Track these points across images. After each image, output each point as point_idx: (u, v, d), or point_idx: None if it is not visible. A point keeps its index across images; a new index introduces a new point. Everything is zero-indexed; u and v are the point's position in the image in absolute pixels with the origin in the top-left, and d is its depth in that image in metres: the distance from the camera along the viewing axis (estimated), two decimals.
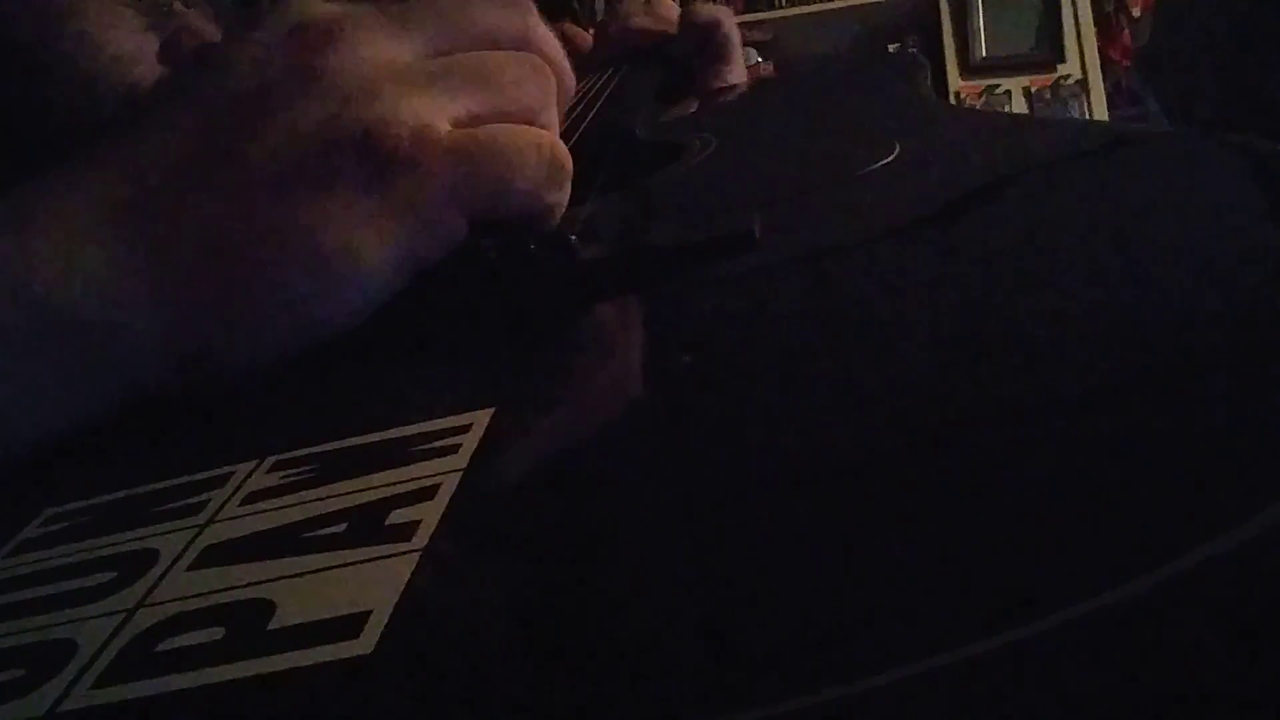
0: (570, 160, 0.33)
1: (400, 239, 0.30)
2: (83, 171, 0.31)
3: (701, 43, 0.77)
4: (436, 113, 0.31)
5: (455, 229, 0.31)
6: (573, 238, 0.31)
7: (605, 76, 0.70)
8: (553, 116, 0.34)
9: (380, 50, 0.32)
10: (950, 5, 2.70)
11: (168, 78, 0.34)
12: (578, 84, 0.56)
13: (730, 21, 0.78)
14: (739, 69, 0.78)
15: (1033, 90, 2.62)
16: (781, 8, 2.77)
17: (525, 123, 0.33)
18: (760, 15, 2.75)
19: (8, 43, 0.50)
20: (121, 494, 0.23)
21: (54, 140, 0.33)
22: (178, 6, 0.52)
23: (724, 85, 0.75)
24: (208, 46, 0.36)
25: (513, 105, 0.33)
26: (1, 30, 0.50)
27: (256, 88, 0.31)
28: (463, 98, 0.32)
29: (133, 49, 0.50)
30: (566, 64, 0.37)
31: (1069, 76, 2.61)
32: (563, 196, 0.33)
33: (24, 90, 0.50)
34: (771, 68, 2.67)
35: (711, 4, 0.81)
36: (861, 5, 2.74)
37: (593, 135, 0.49)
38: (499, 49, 0.34)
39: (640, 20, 0.81)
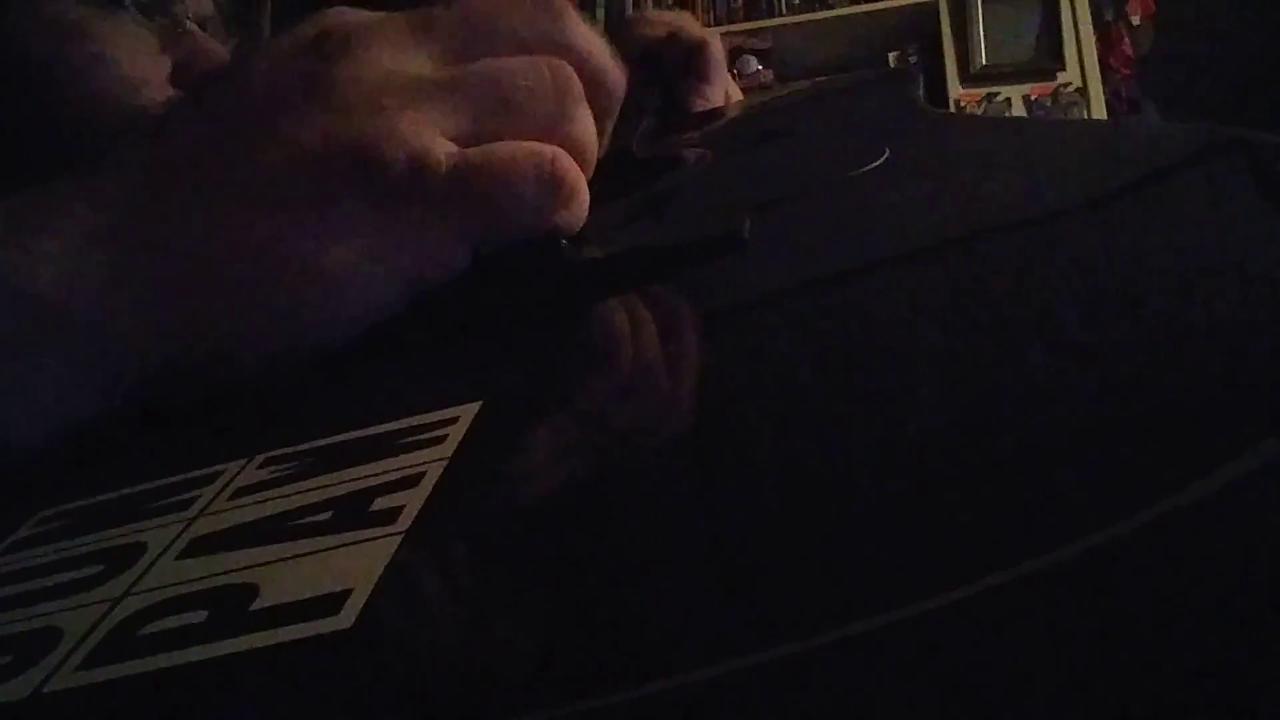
0: (575, 176, 0.31)
1: (401, 266, 0.30)
2: (88, 179, 0.31)
3: (688, 60, 0.77)
4: (439, 129, 0.30)
5: (457, 258, 0.31)
6: (563, 241, 0.31)
7: None
8: (576, 126, 0.32)
9: (393, 60, 0.31)
10: (950, 14, 2.70)
11: (189, 91, 0.34)
12: None
13: (717, 45, 0.78)
14: (721, 90, 0.78)
15: (1032, 98, 2.63)
16: (782, 15, 2.78)
17: (538, 135, 0.31)
18: (760, 24, 2.76)
19: (19, 59, 0.50)
20: (113, 494, 0.23)
21: (60, 156, 0.33)
22: (191, 27, 0.53)
23: (706, 104, 0.76)
24: (229, 60, 0.35)
25: (524, 118, 0.31)
26: (13, 46, 0.50)
27: (265, 97, 0.31)
28: (469, 111, 0.31)
29: (144, 70, 0.50)
30: (606, 61, 0.34)
31: (1069, 84, 2.62)
32: (570, 215, 0.31)
33: (33, 106, 0.50)
34: (771, 75, 2.69)
35: (702, 26, 0.81)
36: (861, 14, 2.74)
37: None
38: (528, 53, 0.32)
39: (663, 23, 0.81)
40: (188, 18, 0.52)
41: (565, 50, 0.33)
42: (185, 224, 0.30)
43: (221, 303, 0.29)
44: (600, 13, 2.77)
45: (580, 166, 0.32)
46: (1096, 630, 0.10)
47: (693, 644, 0.12)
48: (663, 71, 0.78)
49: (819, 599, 0.12)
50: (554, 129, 0.32)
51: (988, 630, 0.11)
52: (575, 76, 0.32)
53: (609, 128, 0.36)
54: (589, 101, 0.33)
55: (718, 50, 0.78)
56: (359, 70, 0.30)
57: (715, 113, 0.74)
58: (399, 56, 0.31)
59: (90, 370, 0.29)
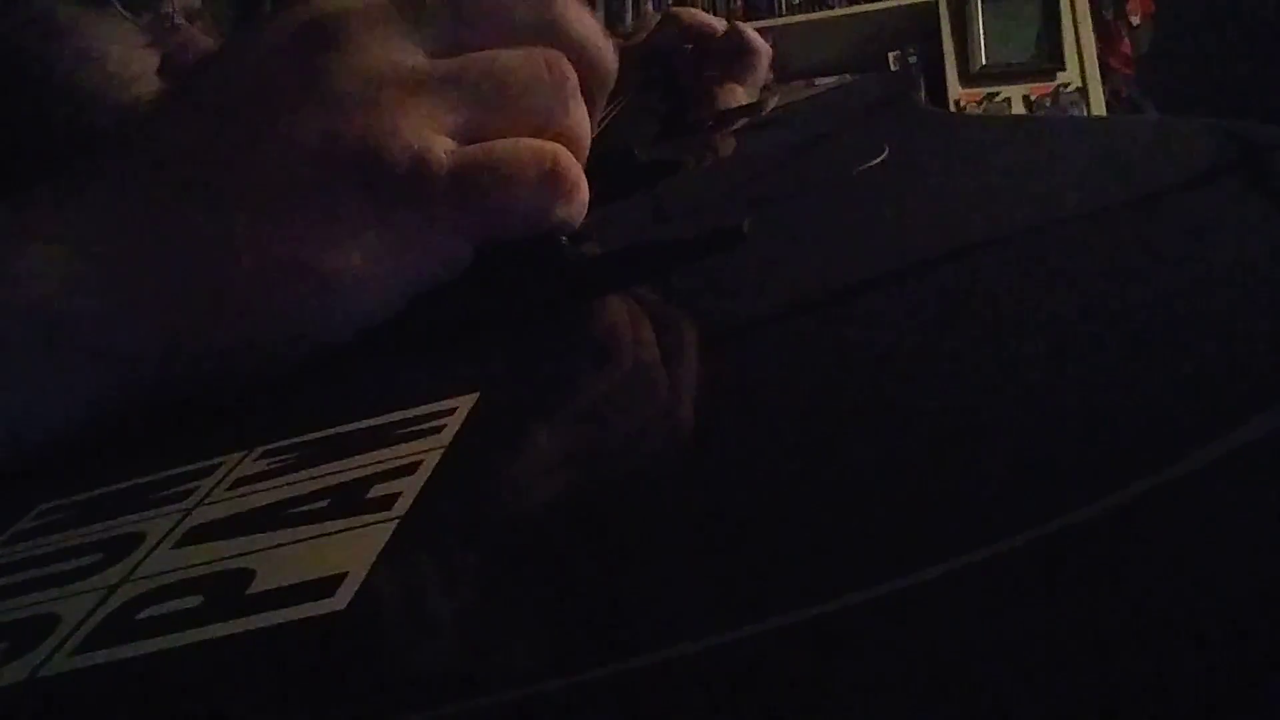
0: (577, 172, 0.31)
1: (403, 267, 0.30)
2: (84, 180, 0.31)
3: (734, 55, 0.78)
4: (438, 126, 0.30)
5: (460, 256, 0.31)
6: (563, 239, 0.31)
7: (608, 105, 0.71)
8: (571, 119, 0.32)
9: (385, 51, 0.30)
10: (950, 13, 2.70)
11: (175, 82, 0.33)
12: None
13: (769, 55, 0.79)
14: (748, 95, 0.78)
15: (1033, 98, 2.62)
16: (782, 15, 2.77)
17: (534, 129, 0.31)
18: (760, 24, 2.76)
19: (7, 57, 0.50)
20: (113, 487, 0.23)
21: (52, 155, 0.32)
22: (180, 21, 0.52)
23: (730, 99, 0.76)
24: (216, 50, 0.34)
25: (522, 113, 0.31)
26: (1, 45, 0.50)
27: (257, 92, 0.30)
28: (467, 107, 0.30)
29: (133, 65, 0.50)
30: (601, 49, 0.34)
31: (1069, 84, 2.62)
32: (572, 210, 0.31)
33: (23, 105, 0.50)
34: (771, 75, 2.69)
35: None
36: (861, 14, 2.74)
37: (591, 155, 0.50)
38: (520, 38, 0.32)
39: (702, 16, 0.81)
40: (174, 11, 0.52)
41: (560, 36, 0.32)
42: (184, 227, 0.29)
43: (222, 307, 0.29)
44: (599, 14, 2.77)
45: (575, 158, 0.32)
46: (1093, 602, 0.10)
47: (685, 626, 0.12)
48: (672, 74, 0.78)
49: (807, 574, 0.12)
50: (550, 122, 0.31)
51: (980, 605, 0.11)
52: (571, 69, 0.32)
53: (600, 111, 0.36)
54: (583, 87, 0.33)
55: (767, 60, 0.79)
56: (352, 61, 0.30)
57: (717, 116, 0.74)
58: (389, 44, 0.31)
59: (91, 374, 0.29)
